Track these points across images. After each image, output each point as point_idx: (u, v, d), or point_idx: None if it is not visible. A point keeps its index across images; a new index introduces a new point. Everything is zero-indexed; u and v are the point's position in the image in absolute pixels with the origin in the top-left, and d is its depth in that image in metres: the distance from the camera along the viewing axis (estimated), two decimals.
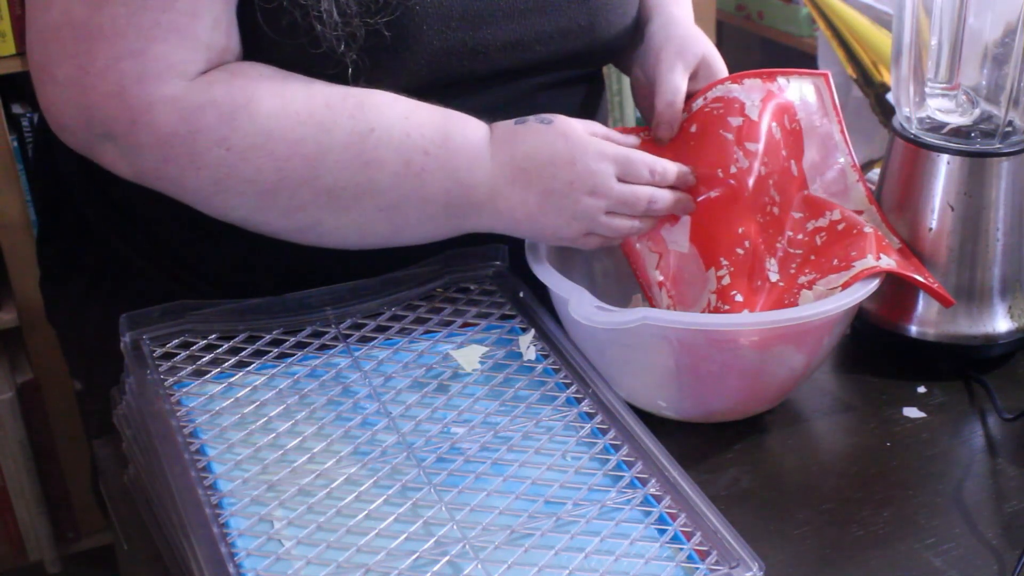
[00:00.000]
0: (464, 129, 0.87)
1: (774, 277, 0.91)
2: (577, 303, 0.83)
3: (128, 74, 0.79)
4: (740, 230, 0.91)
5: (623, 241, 0.92)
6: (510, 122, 0.89)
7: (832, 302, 0.83)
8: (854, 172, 0.96)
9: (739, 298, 0.89)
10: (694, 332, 0.81)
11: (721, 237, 0.91)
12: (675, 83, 0.95)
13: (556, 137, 0.87)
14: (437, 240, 0.90)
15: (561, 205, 0.87)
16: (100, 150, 0.83)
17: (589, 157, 0.87)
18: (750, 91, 0.94)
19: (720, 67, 0.98)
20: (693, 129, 0.94)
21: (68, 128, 0.83)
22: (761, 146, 0.92)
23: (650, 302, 0.92)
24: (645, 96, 1.00)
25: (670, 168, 0.91)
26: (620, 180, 0.88)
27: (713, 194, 0.92)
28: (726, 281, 0.90)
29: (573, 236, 0.89)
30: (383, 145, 0.84)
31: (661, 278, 0.92)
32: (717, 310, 0.89)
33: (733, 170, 0.91)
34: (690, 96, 0.96)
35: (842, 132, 0.96)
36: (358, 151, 0.83)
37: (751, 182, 0.92)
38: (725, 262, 0.90)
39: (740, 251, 0.91)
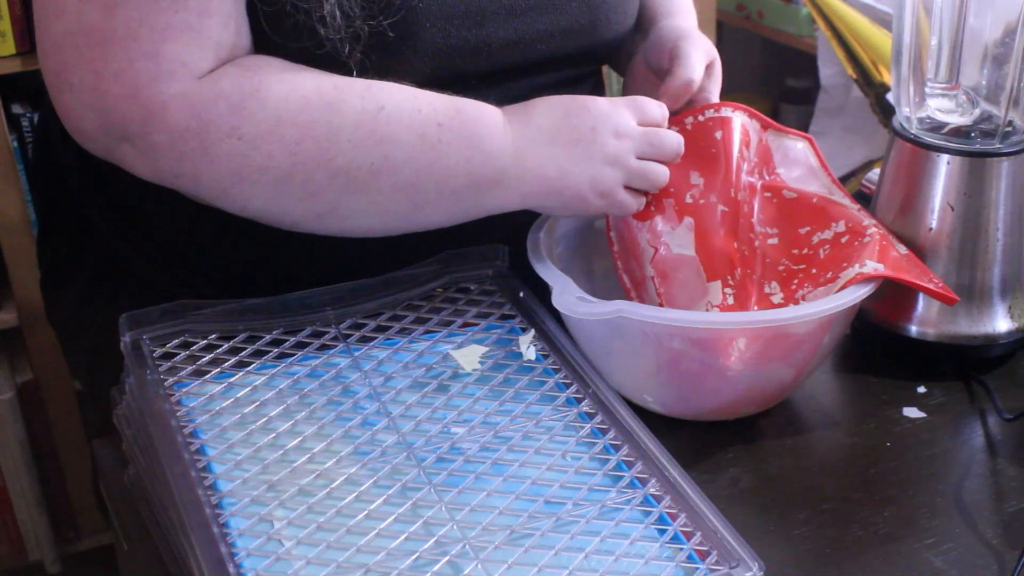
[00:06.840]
0: (476, 104, 0.87)
1: (776, 299, 0.91)
2: (559, 292, 0.83)
3: (142, 75, 0.80)
4: (741, 250, 0.91)
5: (627, 234, 0.92)
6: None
7: (799, 309, 0.83)
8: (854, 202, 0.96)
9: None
10: (669, 328, 0.81)
11: (726, 251, 0.91)
12: (695, 63, 0.95)
13: (564, 97, 0.89)
14: (460, 223, 0.89)
15: (590, 151, 0.87)
16: (119, 153, 0.83)
17: (600, 103, 0.88)
18: (754, 128, 0.95)
19: (720, 75, 0.99)
20: (718, 135, 0.93)
21: (87, 133, 0.83)
22: (760, 180, 0.94)
23: (628, 297, 0.93)
24: (645, 86, 1.01)
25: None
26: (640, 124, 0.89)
27: (722, 208, 0.91)
28: (731, 301, 0.90)
29: (611, 187, 0.88)
30: (394, 121, 0.84)
31: (653, 273, 0.91)
32: None
33: (742, 195, 0.92)
34: (679, 111, 0.95)
35: (835, 183, 0.96)
36: (370, 129, 0.83)
37: (755, 204, 0.92)
38: (731, 280, 0.90)
39: (739, 272, 0.91)
